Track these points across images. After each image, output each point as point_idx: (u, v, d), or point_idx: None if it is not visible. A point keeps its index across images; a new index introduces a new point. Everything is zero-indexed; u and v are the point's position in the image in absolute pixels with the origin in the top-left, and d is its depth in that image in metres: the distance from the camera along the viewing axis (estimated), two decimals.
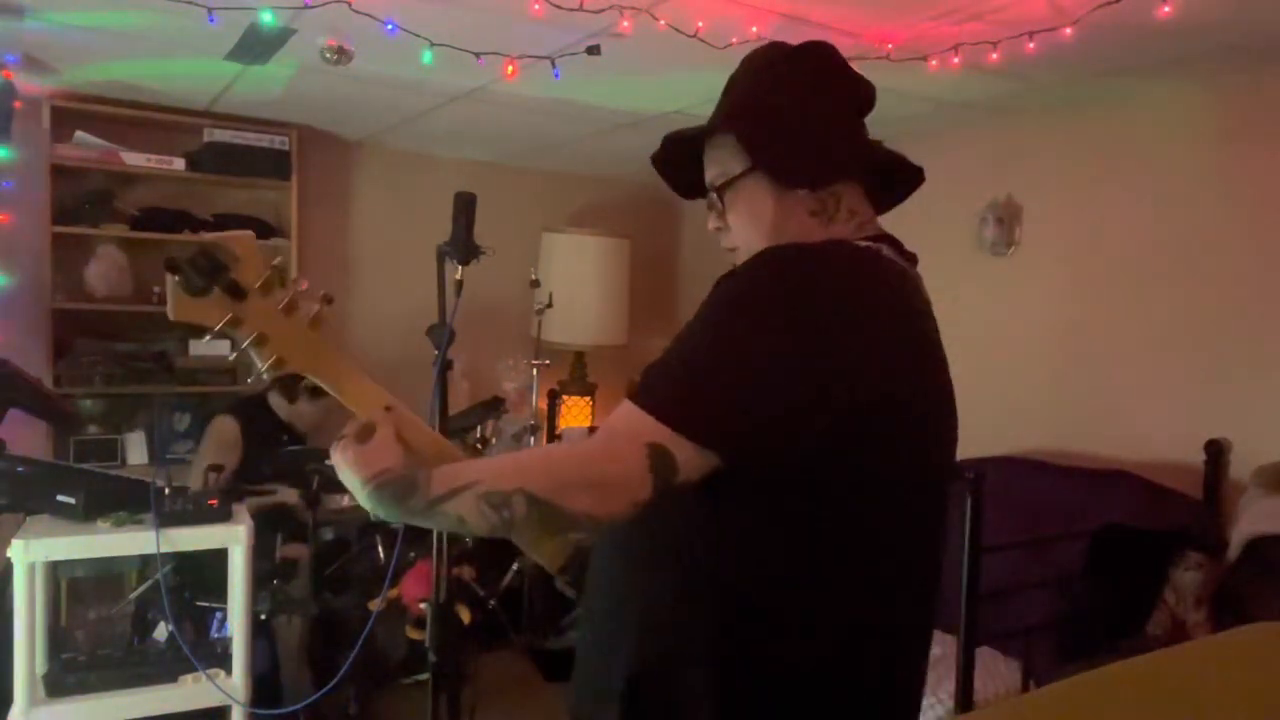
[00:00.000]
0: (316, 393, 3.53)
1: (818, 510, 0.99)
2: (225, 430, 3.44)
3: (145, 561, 2.45)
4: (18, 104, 3.35)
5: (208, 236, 1.10)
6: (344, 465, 1.06)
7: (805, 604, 1.01)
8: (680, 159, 1.21)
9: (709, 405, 0.94)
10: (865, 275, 1.05)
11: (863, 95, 1.17)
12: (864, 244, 1.09)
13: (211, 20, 2.48)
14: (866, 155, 1.15)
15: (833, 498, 1.00)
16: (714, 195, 1.16)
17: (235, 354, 1.10)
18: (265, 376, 1.10)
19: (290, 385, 3.57)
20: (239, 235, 1.10)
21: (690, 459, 0.93)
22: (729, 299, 1.01)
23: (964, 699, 2.33)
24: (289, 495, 3.30)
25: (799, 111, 1.12)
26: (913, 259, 1.15)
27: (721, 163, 1.15)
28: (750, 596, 1.00)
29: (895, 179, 1.19)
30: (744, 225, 1.14)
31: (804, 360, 0.95)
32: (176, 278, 1.07)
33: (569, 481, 0.93)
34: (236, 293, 1.07)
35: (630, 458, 0.92)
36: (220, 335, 1.08)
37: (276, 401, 3.58)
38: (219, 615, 2.57)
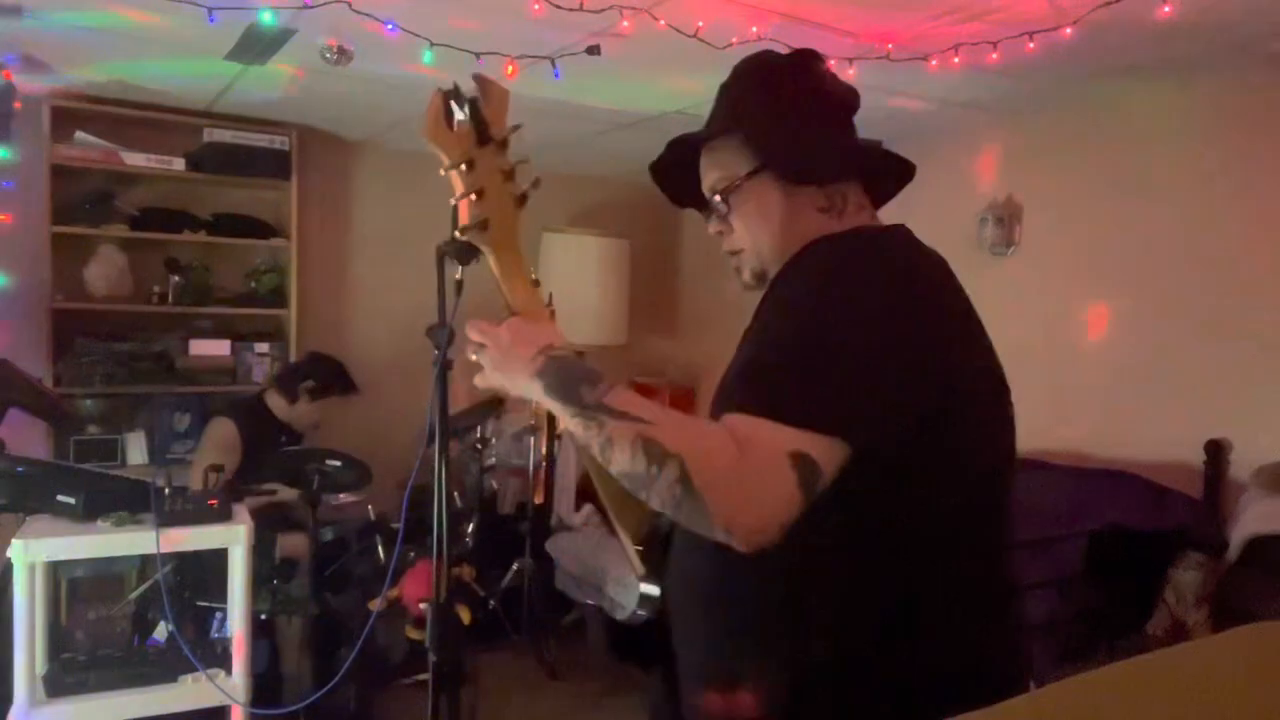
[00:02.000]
0: (316, 393, 3.55)
1: (913, 504, 0.97)
2: (223, 432, 3.43)
3: (145, 561, 2.45)
4: (18, 104, 3.35)
5: (476, 75, 1.10)
6: (502, 339, 1.06)
7: (907, 606, 0.98)
8: (677, 166, 1.21)
9: (836, 395, 0.91)
10: (922, 256, 1.06)
11: (851, 99, 1.19)
12: (889, 227, 1.11)
13: (211, 20, 2.48)
14: (863, 153, 1.17)
15: (931, 484, 0.98)
16: (716, 199, 1.16)
17: (456, 200, 1.07)
18: (463, 235, 1.07)
19: (290, 385, 3.56)
20: (501, 85, 1.09)
21: (829, 457, 0.89)
22: (808, 291, 1.00)
23: None
24: (288, 494, 3.29)
25: (801, 111, 1.14)
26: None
27: (724, 166, 1.14)
28: (855, 607, 0.98)
29: (888, 175, 1.20)
30: (752, 226, 1.14)
31: (902, 338, 0.95)
32: (443, 95, 1.06)
33: (728, 481, 0.88)
34: (484, 135, 1.06)
35: (777, 472, 0.87)
36: (449, 172, 1.06)
37: (275, 402, 3.58)
38: (219, 615, 2.57)
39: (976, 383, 1.03)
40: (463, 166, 1.05)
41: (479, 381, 1.11)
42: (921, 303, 0.99)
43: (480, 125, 1.05)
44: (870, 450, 0.91)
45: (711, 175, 1.17)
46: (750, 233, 1.14)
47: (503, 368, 1.07)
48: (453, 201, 1.07)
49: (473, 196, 1.06)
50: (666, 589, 1.17)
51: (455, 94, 1.06)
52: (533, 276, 1.15)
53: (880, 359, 0.93)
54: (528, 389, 1.04)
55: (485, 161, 1.06)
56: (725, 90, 1.20)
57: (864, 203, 1.15)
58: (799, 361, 0.94)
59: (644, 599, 1.20)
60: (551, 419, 4.82)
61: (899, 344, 0.95)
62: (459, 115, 1.05)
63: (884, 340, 0.94)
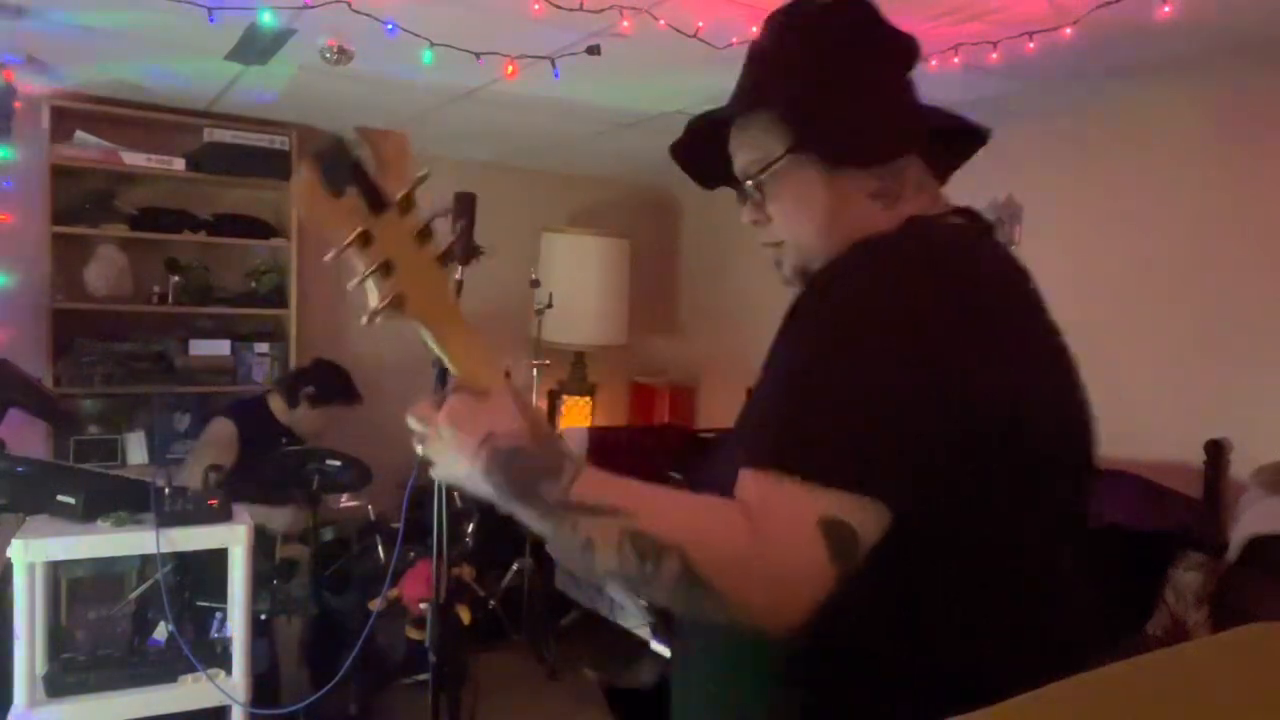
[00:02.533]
0: (316, 401, 3.54)
1: (957, 574, 0.82)
2: (221, 432, 3.43)
3: (145, 561, 2.45)
4: (18, 104, 3.35)
5: (358, 128, 0.91)
6: (448, 421, 0.86)
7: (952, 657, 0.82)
8: (704, 146, 1.04)
9: (873, 448, 0.75)
10: (986, 263, 0.90)
11: (910, 49, 0.99)
12: (949, 221, 0.95)
13: (211, 20, 2.48)
14: (923, 120, 0.98)
15: (983, 551, 0.82)
16: (750, 184, 0.99)
17: (356, 283, 0.89)
18: (379, 319, 0.89)
19: (292, 390, 3.56)
20: (393, 133, 0.91)
21: (869, 522, 0.74)
22: (836, 315, 0.82)
23: None
24: (278, 518, 3.23)
25: (845, 74, 0.95)
26: (990, 228, 0.99)
27: (756, 146, 0.98)
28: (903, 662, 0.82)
29: (954, 142, 1.02)
30: (791, 216, 0.97)
31: (948, 374, 0.78)
32: (316, 166, 0.86)
33: (741, 566, 0.73)
34: (375, 202, 0.87)
35: (803, 545, 0.72)
36: (342, 255, 0.88)
37: (277, 405, 3.57)
38: (219, 615, 2.57)
39: (1045, 428, 0.85)
40: (356, 244, 0.87)
41: (434, 475, 0.92)
42: (979, 328, 0.82)
43: (370, 192, 0.87)
44: (916, 514, 0.76)
45: (742, 156, 1.00)
46: (789, 223, 0.98)
47: (446, 464, 0.88)
48: (350, 286, 0.89)
49: (375, 275, 0.88)
50: (677, 642, 1.02)
51: (333, 156, 0.87)
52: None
53: (926, 400, 0.77)
54: (480, 490, 0.85)
55: (387, 229, 0.88)
56: (756, 52, 1.01)
57: (924, 180, 0.97)
58: (831, 408, 0.77)
59: (652, 660, 1.08)
60: (551, 419, 4.83)
61: (949, 380, 0.78)
62: (338, 177, 0.87)
63: (932, 377, 0.77)
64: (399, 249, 0.88)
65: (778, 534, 0.73)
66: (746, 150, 0.99)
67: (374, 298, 0.88)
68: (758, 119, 0.97)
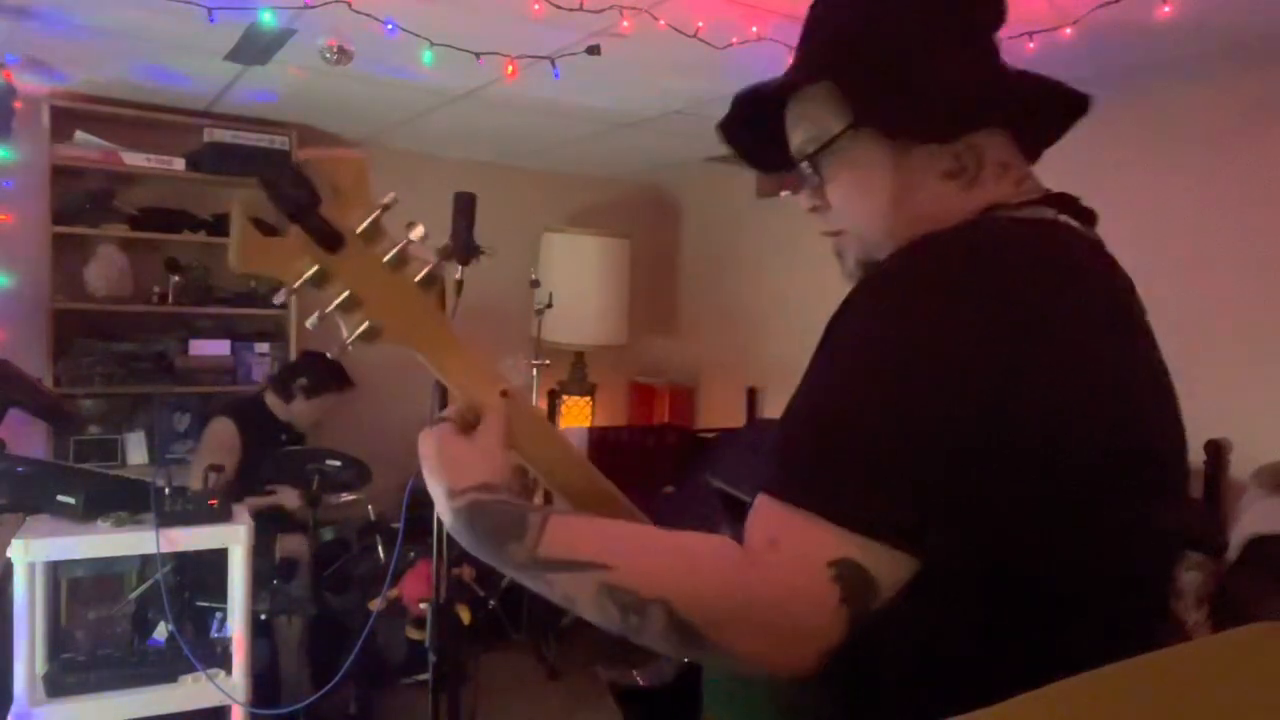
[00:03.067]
0: (310, 391, 3.55)
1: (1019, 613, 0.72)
2: (223, 432, 3.43)
3: (145, 561, 2.45)
4: (18, 104, 3.35)
5: (304, 153, 0.83)
6: (430, 464, 0.83)
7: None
8: (757, 123, 0.92)
9: (895, 492, 0.67)
10: (1062, 276, 0.74)
11: (994, 6, 0.86)
12: (1033, 213, 0.81)
13: (212, 20, 2.48)
14: (1009, 87, 0.85)
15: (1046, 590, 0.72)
16: (806, 165, 0.88)
17: (315, 320, 0.83)
18: (350, 348, 0.84)
19: (285, 384, 3.57)
20: (345, 157, 0.82)
21: (891, 570, 0.66)
22: (872, 335, 0.72)
23: None
24: (289, 497, 3.29)
25: (912, 38, 0.82)
26: (1091, 218, 0.86)
27: (814, 122, 0.86)
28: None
29: (1047, 113, 0.89)
30: (852, 200, 0.86)
31: (996, 415, 0.68)
32: (269, 196, 0.79)
33: (735, 614, 0.66)
34: (328, 239, 0.80)
35: (811, 587, 0.65)
36: (301, 293, 0.82)
37: (273, 401, 3.58)
38: (219, 615, 2.57)
39: (1118, 473, 0.73)
40: (312, 283, 0.80)
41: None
42: (1045, 360, 0.69)
43: (322, 232, 0.79)
44: (947, 564, 0.68)
45: (798, 133, 0.89)
46: (849, 208, 0.87)
47: (434, 495, 0.83)
48: (308, 325, 0.82)
49: (339, 311, 0.82)
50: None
51: (276, 188, 0.79)
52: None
53: (968, 442, 0.67)
54: (453, 532, 0.81)
55: (349, 263, 0.81)
56: (812, 15, 0.90)
57: (1010, 158, 0.85)
58: (859, 438, 0.68)
59: (665, 661, 1.01)
60: (551, 419, 4.83)
61: (996, 422, 0.67)
62: (280, 217, 0.80)
63: (977, 416, 0.67)
64: (366, 281, 0.82)
65: (784, 570, 0.66)
66: (804, 127, 0.88)
67: (345, 330, 0.83)
68: (815, 92, 0.86)
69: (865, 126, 0.82)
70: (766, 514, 0.69)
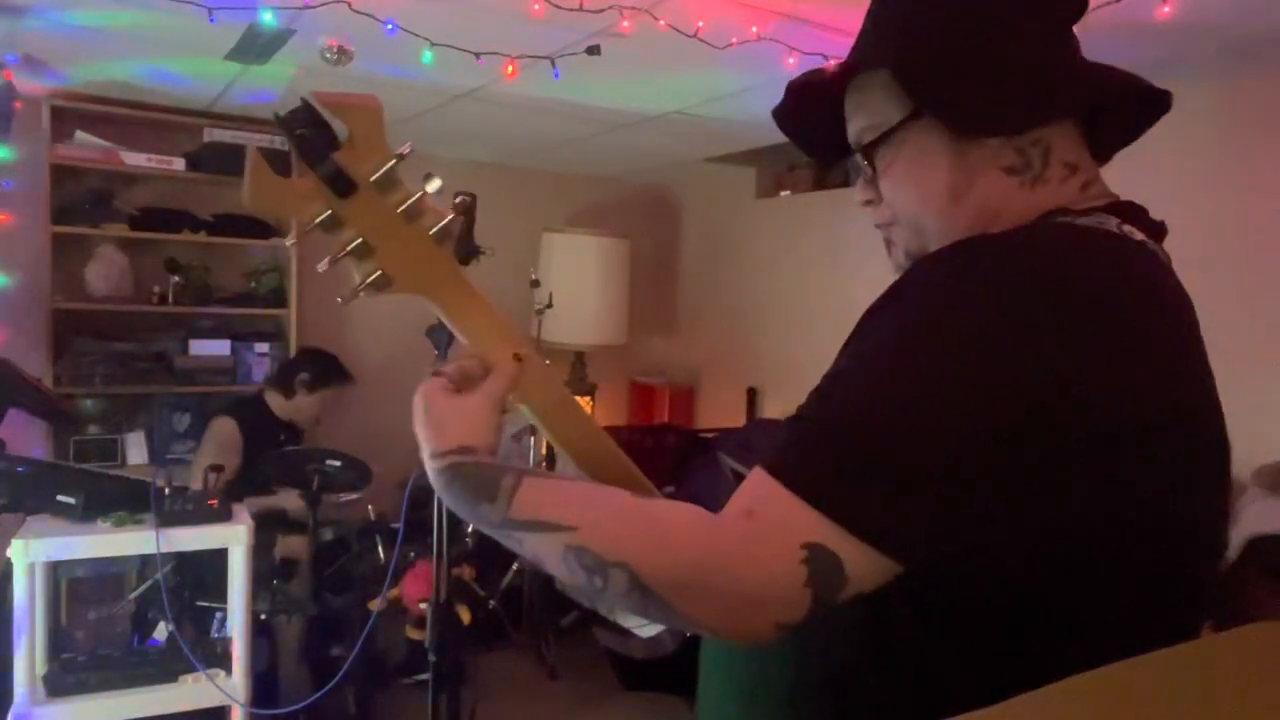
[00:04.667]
0: (311, 387, 3.55)
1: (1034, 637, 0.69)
2: (225, 432, 3.44)
3: (145, 561, 2.45)
4: (18, 104, 3.35)
5: (318, 94, 0.81)
6: (418, 419, 0.85)
7: None
8: (815, 112, 0.89)
9: (893, 493, 0.64)
10: (1120, 292, 0.70)
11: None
12: (1096, 222, 0.75)
13: (211, 20, 2.48)
14: (1084, 81, 0.80)
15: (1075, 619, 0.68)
16: (859, 156, 0.85)
17: (327, 263, 0.82)
18: (362, 294, 0.84)
19: (287, 380, 3.57)
20: (362, 101, 0.82)
21: (866, 565, 0.65)
22: (909, 324, 0.69)
23: None
24: (289, 498, 3.29)
25: (981, 26, 0.78)
26: (1160, 231, 0.82)
27: (872, 111, 0.83)
28: None
29: (1124, 112, 0.85)
30: (907, 193, 0.82)
31: (1024, 435, 0.64)
32: (288, 137, 0.80)
33: (690, 579, 0.66)
34: (341, 184, 0.79)
35: (778, 562, 0.64)
36: (312, 234, 0.81)
37: (274, 399, 3.58)
38: (219, 615, 2.57)
39: (1180, 492, 0.68)
40: (324, 227, 0.80)
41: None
42: (1092, 369, 0.65)
43: (334, 176, 0.79)
44: (940, 575, 0.67)
45: (856, 122, 0.85)
46: (903, 202, 0.83)
47: (422, 450, 0.84)
48: (319, 268, 0.82)
49: (351, 258, 0.82)
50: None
51: (290, 128, 0.79)
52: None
53: (998, 458, 0.64)
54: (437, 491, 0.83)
55: (361, 210, 0.81)
56: (878, 2, 0.86)
57: (1078, 159, 0.81)
58: (862, 430, 0.66)
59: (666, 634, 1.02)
60: None
61: (1019, 443, 0.64)
62: (298, 157, 0.79)
63: (998, 434, 0.64)
64: (379, 229, 0.82)
65: (751, 540, 0.66)
66: (861, 115, 0.85)
67: (356, 276, 0.84)
68: (875, 79, 0.82)
69: (925, 117, 0.79)
70: (753, 485, 0.68)
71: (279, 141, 4.02)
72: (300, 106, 0.79)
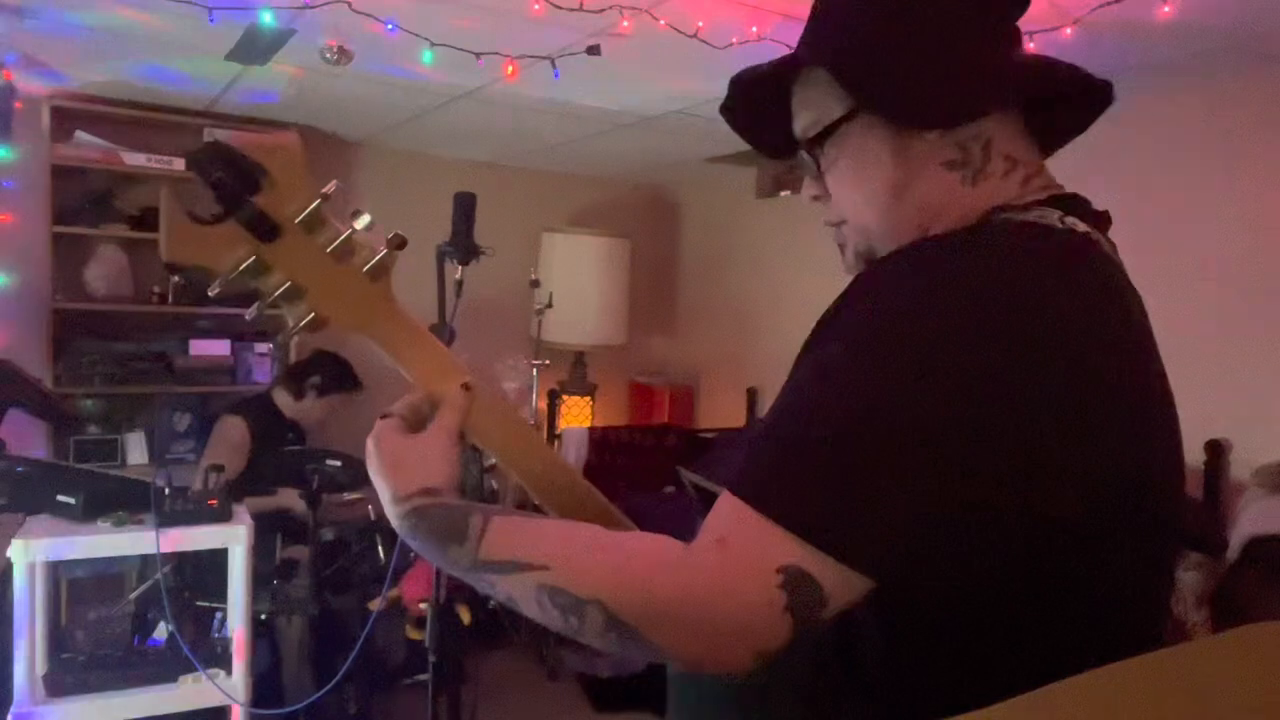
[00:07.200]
0: (322, 390, 3.55)
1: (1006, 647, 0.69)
2: (233, 430, 3.43)
3: (145, 561, 2.45)
4: (18, 104, 3.35)
5: (233, 136, 0.78)
6: (373, 465, 0.82)
7: None
8: (762, 106, 0.89)
9: (860, 508, 0.64)
10: (1061, 293, 0.70)
11: None
12: (1039, 217, 0.76)
13: (211, 20, 2.48)
14: (1020, 73, 0.81)
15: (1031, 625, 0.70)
16: (803, 152, 0.85)
17: (255, 310, 0.81)
18: (296, 337, 0.87)
19: (298, 382, 3.57)
20: (279, 141, 0.78)
21: (842, 583, 0.64)
22: (862, 336, 0.69)
23: None
24: (289, 498, 3.29)
25: (916, 21, 0.79)
26: (1103, 221, 0.84)
27: (815, 107, 0.83)
28: None
29: (1066, 104, 0.85)
30: (850, 188, 0.82)
31: (988, 434, 0.65)
32: (198, 179, 0.76)
33: (667, 613, 0.65)
34: (264, 229, 0.77)
35: (755, 590, 0.63)
36: (237, 284, 0.79)
37: (282, 399, 3.58)
38: (219, 615, 2.57)
39: (1103, 506, 0.70)
40: (249, 275, 0.78)
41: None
42: (1033, 383, 0.66)
43: (255, 220, 0.76)
44: (926, 587, 0.67)
45: (802, 118, 0.85)
46: (848, 198, 0.83)
47: (381, 498, 0.82)
48: (248, 316, 0.81)
49: (281, 301, 0.80)
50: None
51: (205, 173, 0.75)
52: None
53: (952, 462, 0.64)
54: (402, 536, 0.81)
55: (288, 252, 0.78)
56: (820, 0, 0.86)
57: (1019, 152, 0.81)
58: (829, 447, 0.65)
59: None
60: (551, 419, 4.83)
61: (985, 443, 0.65)
62: (211, 207, 0.77)
63: (963, 435, 0.64)
64: (307, 271, 0.79)
65: (724, 570, 0.64)
66: (806, 111, 0.85)
67: (290, 320, 0.82)
68: (818, 76, 0.82)
69: (864, 112, 0.79)
70: (723, 512, 0.67)
71: None
72: (211, 147, 0.75)
